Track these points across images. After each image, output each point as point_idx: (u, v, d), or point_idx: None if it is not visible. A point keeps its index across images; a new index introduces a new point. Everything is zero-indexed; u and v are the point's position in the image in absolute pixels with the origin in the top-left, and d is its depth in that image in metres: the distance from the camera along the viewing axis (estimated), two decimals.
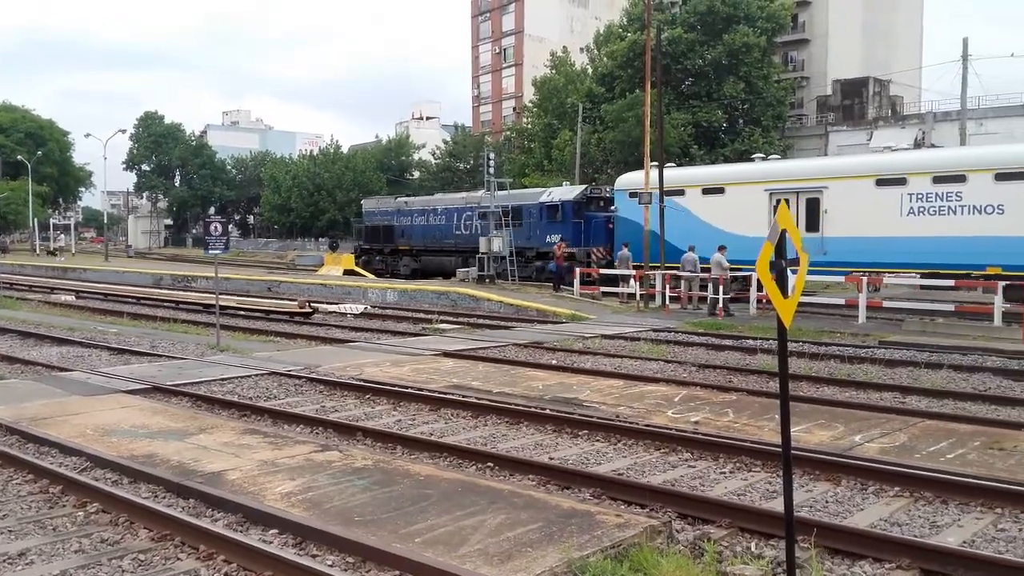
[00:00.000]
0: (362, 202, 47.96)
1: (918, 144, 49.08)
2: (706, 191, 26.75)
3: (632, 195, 27.97)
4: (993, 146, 29.70)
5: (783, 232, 4.63)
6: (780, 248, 4.62)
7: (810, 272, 23.10)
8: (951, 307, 21.33)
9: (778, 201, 24.00)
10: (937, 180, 22.08)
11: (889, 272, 22.61)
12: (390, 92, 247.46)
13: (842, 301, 22.69)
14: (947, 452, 8.21)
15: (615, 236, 29.24)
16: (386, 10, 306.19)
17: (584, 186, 34.90)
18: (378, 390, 11.69)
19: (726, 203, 26.04)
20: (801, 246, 4.87)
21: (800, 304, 21.54)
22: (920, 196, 22.31)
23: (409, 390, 11.60)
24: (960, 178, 21.75)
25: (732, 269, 23.21)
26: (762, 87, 52.47)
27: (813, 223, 24.05)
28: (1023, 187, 20.71)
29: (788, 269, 4.72)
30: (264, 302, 25.76)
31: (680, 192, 26.97)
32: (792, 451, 7.66)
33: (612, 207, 30.02)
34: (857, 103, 58.51)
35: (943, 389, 11.96)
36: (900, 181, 22.70)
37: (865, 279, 21.31)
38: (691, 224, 26.27)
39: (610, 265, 29.03)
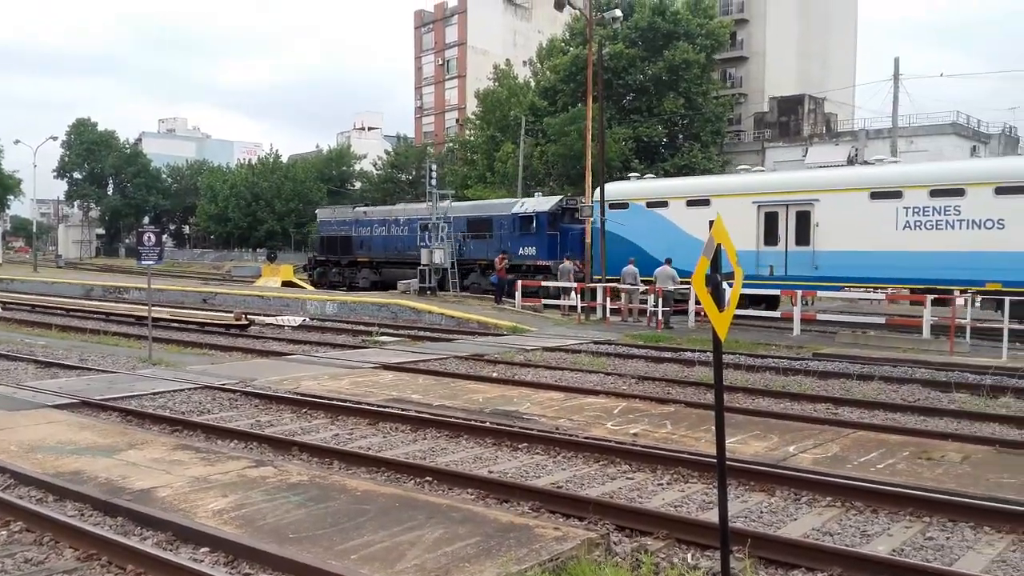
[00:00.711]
0: (317, 212, 46.04)
1: (851, 161, 50.40)
2: (691, 203, 25.87)
3: (613, 206, 27.27)
4: (994, 159, 29.40)
5: (719, 246, 4.69)
6: (716, 262, 4.68)
7: (804, 288, 22.87)
8: (882, 320, 21.89)
9: (767, 214, 24.13)
10: (935, 193, 21.54)
11: (882, 288, 22.31)
12: (332, 102, 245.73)
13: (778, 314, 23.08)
14: (877, 462, 8.40)
15: (595, 249, 27.76)
16: (328, 20, 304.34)
17: (559, 197, 34.00)
18: (315, 404, 11.53)
19: (712, 215, 25.28)
20: (736, 260, 4.93)
21: (737, 317, 21.76)
22: (917, 210, 21.74)
23: (347, 404, 11.45)
24: (959, 192, 21.24)
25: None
26: (701, 103, 53.43)
27: (804, 237, 23.59)
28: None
29: (724, 283, 4.77)
30: (199, 314, 25.25)
31: (663, 203, 26.40)
32: (728, 462, 7.75)
33: (591, 219, 28.48)
34: (793, 120, 59.91)
35: (874, 400, 12.24)
36: (896, 194, 22.11)
37: (800, 293, 21.74)
38: (675, 236, 25.44)
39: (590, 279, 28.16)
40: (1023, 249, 20.16)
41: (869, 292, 23.05)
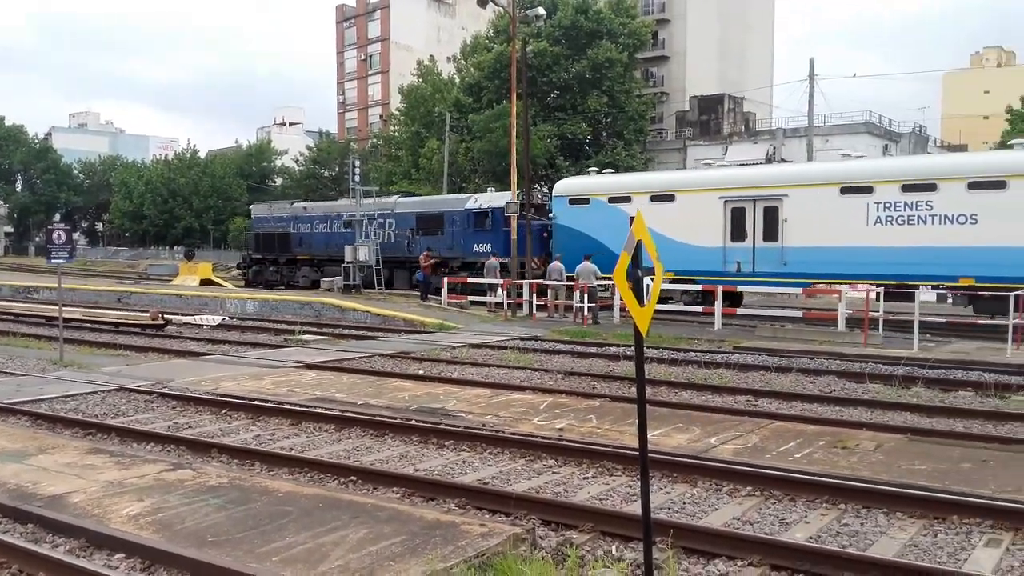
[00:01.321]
0: (252, 208, 43.93)
1: (769, 159, 51.67)
2: (655, 198, 25.25)
3: (574, 201, 26.84)
4: (966, 154, 29.00)
5: (639, 243, 4.73)
6: (636, 258, 4.72)
7: (770, 284, 22.95)
8: (799, 313, 22.49)
9: (733, 210, 23.75)
10: (906, 188, 21.27)
11: (852, 284, 21.64)
12: (252, 97, 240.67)
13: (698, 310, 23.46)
14: (795, 452, 8.62)
15: (553, 245, 27.76)
16: (248, 13, 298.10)
17: (518, 191, 33.93)
18: (236, 405, 11.28)
19: (677, 211, 24.64)
20: (656, 256, 4.98)
21: (660, 312, 21.94)
22: (888, 205, 21.46)
23: (269, 404, 11.24)
24: (931, 187, 20.96)
25: (682, 280, 23.38)
26: (624, 101, 54.04)
27: (772, 233, 23.13)
28: (998, 196, 20.06)
29: (644, 278, 4.82)
30: (113, 314, 24.48)
31: (626, 199, 25.73)
32: (651, 455, 7.85)
33: (550, 214, 28.46)
34: (713, 119, 61.15)
35: (792, 392, 12.56)
36: (866, 189, 21.78)
37: (720, 288, 22.15)
38: None
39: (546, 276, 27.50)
40: (996, 244, 19.97)
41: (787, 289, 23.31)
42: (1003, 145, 45.07)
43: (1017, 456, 8.40)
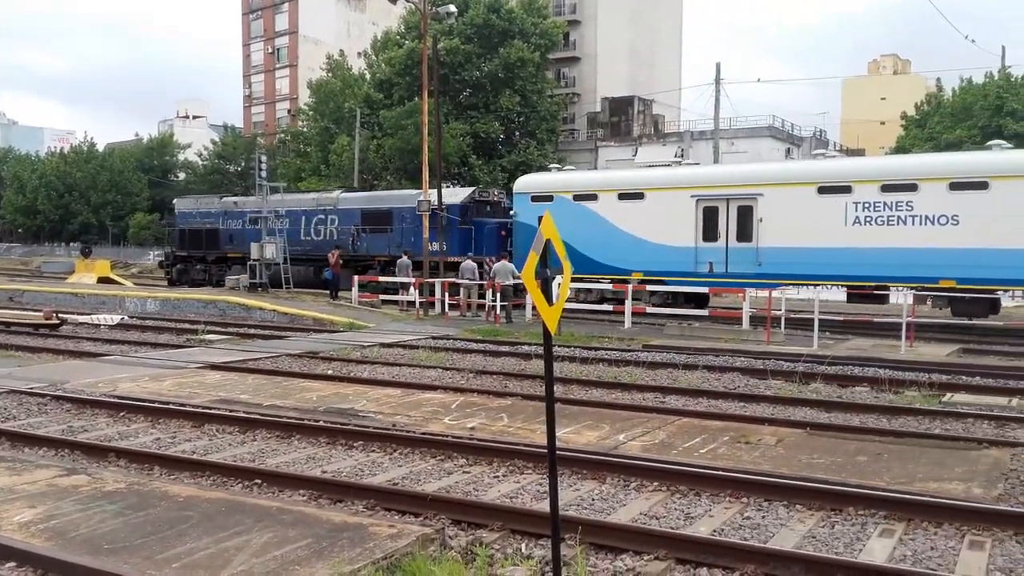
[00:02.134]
0: (176, 202, 40.93)
1: (677, 161, 52.75)
2: (623, 196, 24.50)
3: (536, 199, 25.81)
4: (948, 154, 28.71)
5: (548, 242, 4.74)
6: (544, 258, 4.73)
7: (743, 285, 22.21)
8: (705, 312, 23.00)
9: (706, 209, 23.15)
10: (886, 188, 20.83)
11: (828, 285, 21.58)
12: (153, 89, 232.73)
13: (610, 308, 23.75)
14: (701, 447, 8.80)
15: (514, 244, 26.56)
16: (149, 1, 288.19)
17: (471, 188, 31.85)
18: (135, 407, 10.89)
19: (646, 210, 23.98)
20: (565, 255, 5.00)
21: (571, 310, 21.99)
22: (867, 205, 20.99)
23: (170, 406, 10.88)
24: (911, 187, 20.56)
25: (652, 281, 23.17)
26: (536, 101, 54.39)
27: (745, 233, 22.55)
28: (980, 197, 19.73)
29: (552, 278, 4.83)
30: (4, 313, 23.35)
31: (593, 197, 24.92)
32: (561, 452, 7.92)
33: (511, 212, 27.24)
34: (624, 120, 62.02)
35: (698, 388, 12.84)
36: (844, 189, 21.30)
37: (630, 288, 22.48)
38: (605, 232, 24.31)
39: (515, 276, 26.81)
40: (978, 246, 19.63)
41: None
42: (898, 150, 47.22)
43: (910, 449, 8.77)
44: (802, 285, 22.58)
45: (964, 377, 13.84)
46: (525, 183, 27.59)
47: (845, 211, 21.29)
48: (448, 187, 32.13)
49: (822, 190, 21.67)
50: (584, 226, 24.33)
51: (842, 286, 21.70)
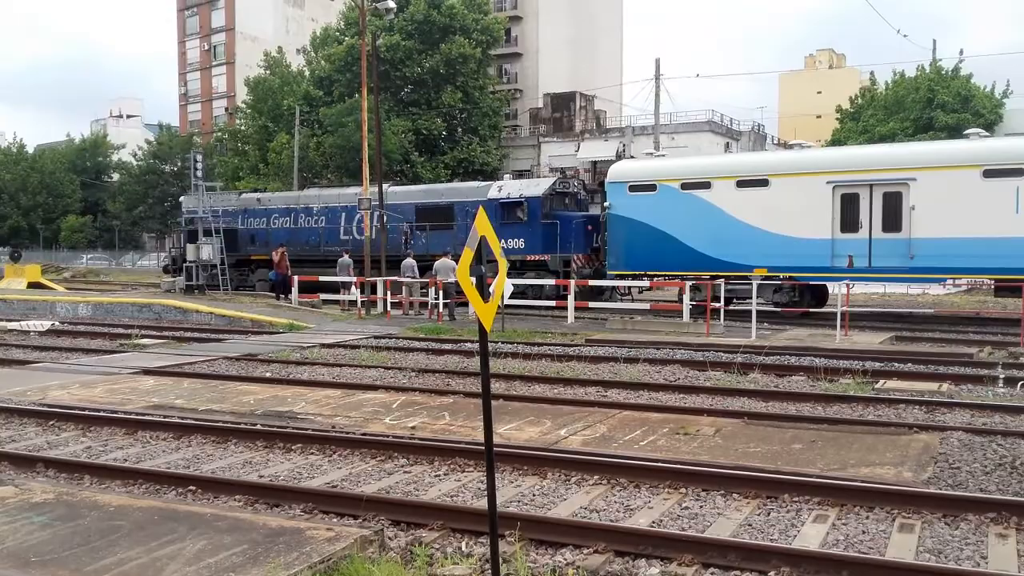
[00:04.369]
0: (181, 199, 37.42)
1: (619, 156, 53.20)
2: (743, 183, 22.13)
3: (635, 188, 23.44)
4: None
5: (483, 238, 4.72)
6: (479, 253, 4.70)
7: (894, 280, 21.34)
8: (647, 306, 23.17)
9: (844, 196, 21.02)
10: None
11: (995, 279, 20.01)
12: (85, 88, 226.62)
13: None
14: (641, 439, 8.87)
15: (609, 240, 24.10)
16: None
17: (552, 179, 29.33)
18: (64, 415, 10.56)
19: (771, 198, 21.67)
20: (500, 252, 4.97)
21: (514, 306, 21.85)
22: None
23: (101, 413, 10.61)
24: None
25: (785, 278, 21.41)
26: (478, 97, 54.36)
27: (894, 222, 20.44)
28: None
29: (487, 274, 4.80)
30: None
31: (705, 185, 22.58)
32: (501, 449, 7.91)
33: (606, 204, 24.41)
34: (566, 116, 62.31)
35: (639, 381, 12.93)
36: (1016, 171, 19.12)
37: (573, 282, 22.55)
38: (720, 224, 22.13)
39: (598, 275, 24.82)
40: None
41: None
42: (834, 143, 48.15)
43: (843, 435, 8.95)
44: (959, 279, 21.05)
45: (896, 364, 14.18)
46: (621, 171, 24.90)
47: (1016, 197, 19.17)
48: (510, 179, 29.70)
49: (988, 173, 19.50)
50: (694, 218, 22.38)
51: (1014, 281, 19.36)
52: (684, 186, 22.77)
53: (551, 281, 24.38)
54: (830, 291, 23.63)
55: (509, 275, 24.73)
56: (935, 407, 10.63)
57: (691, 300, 20.98)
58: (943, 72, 47.12)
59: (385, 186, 30.39)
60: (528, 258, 25.98)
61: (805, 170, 21.71)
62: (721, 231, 22.01)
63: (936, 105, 45.10)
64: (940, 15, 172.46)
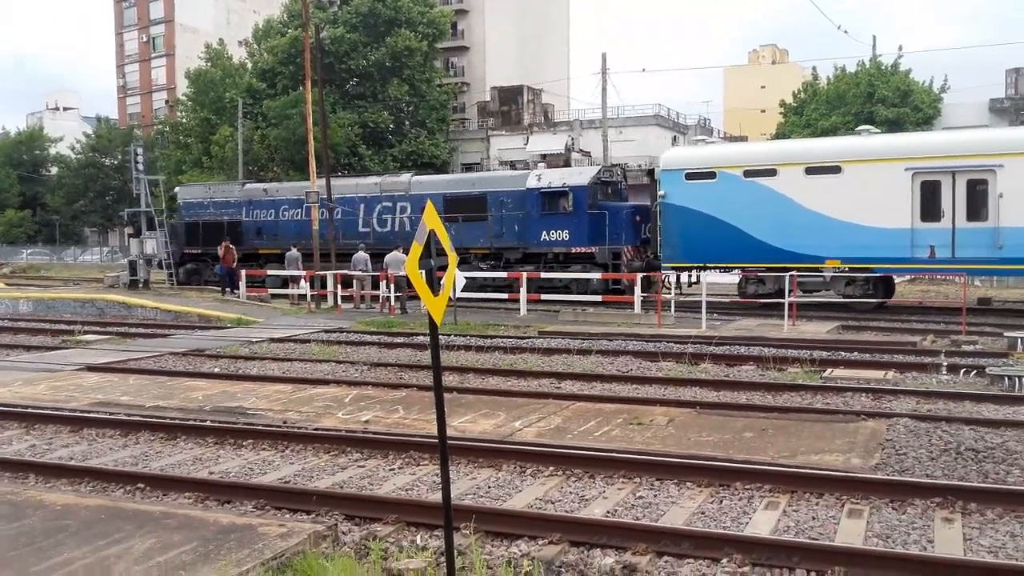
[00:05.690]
0: (178, 190, 35.29)
1: (568, 149, 53.34)
2: (812, 170, 21.14)
3: (693, 176, 22.36)
4: None
5: (432, 232, 4.69)
6: (428, 247, 4.68)
7: (979, 272, 21.06)
8: (599, 298, 23.25)
9: (924, 183, 20.14)
10: None
11: None
12: (18, 80, 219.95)
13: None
14: (595, 430, 8.91)
15: (663, 231, 22.97)
16: None
17: (596, 167, 27.90)
18: (6, 413, 10.28)
19: (844, 186, 20.71)
20: (450, 245, 4.94)
21: (466, 299, 21.71)
22: None
23: (45, 411, 10.34)
24: None
25: (860, 269, 20.71)
26: (425, 90, 54.03)
27: (978, 211, 19.65)
28: None
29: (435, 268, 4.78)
30: None
31: (771, 172, 21.58)
32: (456, 442, 7.88)
33: (660, 192, 23.20)
34: (514, 109, 62.26)
35: (592, 373, 13.00)
36: None
37: (525, 274, 22.54)
38: (787, 212, 21.15)
39: (650, 268, 23.89)
40: None
41: None
42: (778, 137, 48.97)
43: (793, 423, 9.10)
44: None
45: (843, 353, 14.47)
46: (676, 158, 23.86)
47: None
48: (542, 165, 28.34)
49: None
50: (758, 206, 21.37)
51: None
52: (747, 173, 21.87)
53: (597, 275, 23.64)
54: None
55: (553, 268, 24.76)
56: (881, 395, 10.86)
57: (755, 292, 20.47)
58: (883, 68, 48.16)
59: (409, 175, 29.75)
60: (573, 250, 25.01)
61: (881, 156, 20.82)
62: (788, 220, 21.10)
63: (876, 100, 46.11)
64: (881, 7, 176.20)
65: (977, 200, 19.72)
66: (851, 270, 21.00)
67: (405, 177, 29.37)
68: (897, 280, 24.18)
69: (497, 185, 27.04)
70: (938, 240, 19.98)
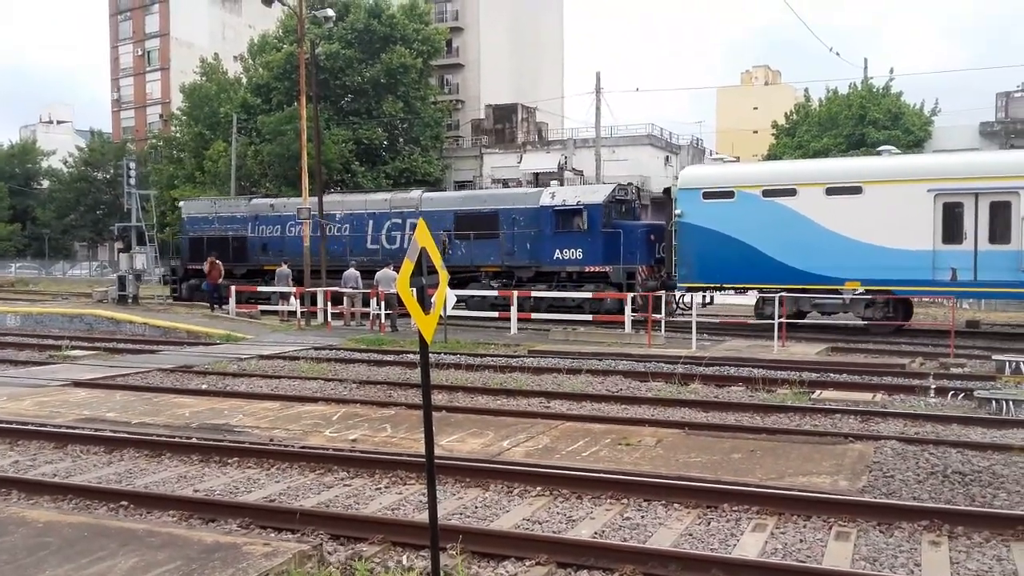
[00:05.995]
0: (182, 204, 34.72)
1: (561, 168, 53.33)
2: (832, 190, 20.88)
3: (711, 195, 22.12)
4: None
5: (423, 249, 4.68)
6: (419, 265, 4.67)
7: (1002, 296, 20.30)
8: (589, 317, 23.24)
9: (946, 205, 19.89)
10: None
11: None
12: (13, 93, 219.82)
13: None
14: (583, 450, 8.89)
15: (679, 250, 22.75)
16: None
17: (611, 185, 27.63)
18: None
19: (865, 207, 20.42)
20: (441, 264, 4.94)
21: (458, 317, 21.66)
22: None
23: (29, 426, 10.26)
24: None
25: (879, 291, 20.43)
26: (420, 107, 54.13)
27: (1002, 233, 19.33)
28: None
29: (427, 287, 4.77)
30: None
31: (790, 191, 21.35)
32: (444, 461, 7.85)
33: (676, 211, 22.92)
34: (508, 127, 62.37)
35: (581, 392, 12.97)
36: None
37: (515, 293, 22.53)
38: (807, 233, 20.91)
39: (665, 288, 23.55)
40: None
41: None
42: (770, 158, 49.14)
43: (781, 445, 9.09)
44: None
45: (832, 374, 14.48)
46: (694, 176, 23.46)
47: None
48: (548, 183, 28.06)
49: None
50: (777, 227, 21.17)
51: None
52: (766, 193, 21.65)
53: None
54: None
55: (566, 287, 24.58)
56: (869, 417, 10.86)
57: (772, 314, 19.90)
58: (874, 90, 48.48)
59: (420, 192, 29.55)
60: (586, 269, 24.82)
61: (903, 177, 20.58)
62: (807, 241, 20.89)
63: (868, 122, 46.35)
64: (873, 29, 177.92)
65: (1000, 222, 19.47)
66: (871, 292, 20.73)
67: (415, 194, 29.17)
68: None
69: (510, 202, 26.62)
70: (960, 263, 19.75)
